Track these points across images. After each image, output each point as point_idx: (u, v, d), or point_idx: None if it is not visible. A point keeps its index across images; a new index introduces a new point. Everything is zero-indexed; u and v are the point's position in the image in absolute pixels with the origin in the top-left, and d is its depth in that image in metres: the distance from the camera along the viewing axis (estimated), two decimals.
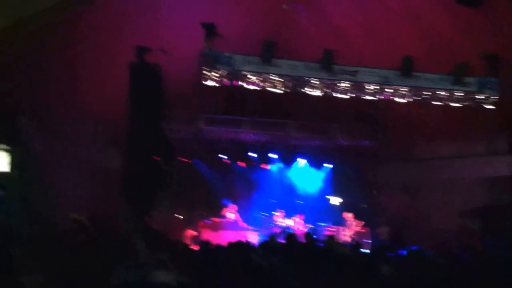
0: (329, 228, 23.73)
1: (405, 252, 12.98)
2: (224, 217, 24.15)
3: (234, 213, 24.31)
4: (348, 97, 19.35)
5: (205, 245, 12.20)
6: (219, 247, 12.15)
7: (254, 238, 21.27)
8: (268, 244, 11.55)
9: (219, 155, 26.35)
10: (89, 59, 18.09)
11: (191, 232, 22.46)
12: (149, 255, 8.78)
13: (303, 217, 24.36)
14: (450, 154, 26.28)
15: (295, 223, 24.05)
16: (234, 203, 25.13)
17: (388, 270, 8.38)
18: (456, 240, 20.89)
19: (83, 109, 20.95)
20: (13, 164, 19.02)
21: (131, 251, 9.06)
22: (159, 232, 15.59)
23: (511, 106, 19.86)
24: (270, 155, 27.12)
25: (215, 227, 22.88)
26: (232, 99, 23.58)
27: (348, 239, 22.98)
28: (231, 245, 10.49)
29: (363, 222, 24.05)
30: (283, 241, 14.02)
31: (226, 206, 24.54)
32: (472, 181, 25.13)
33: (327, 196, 26.80)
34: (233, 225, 23.60)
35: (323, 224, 24.28)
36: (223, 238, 21.06)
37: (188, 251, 10.82)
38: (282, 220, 24.31)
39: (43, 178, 19.64)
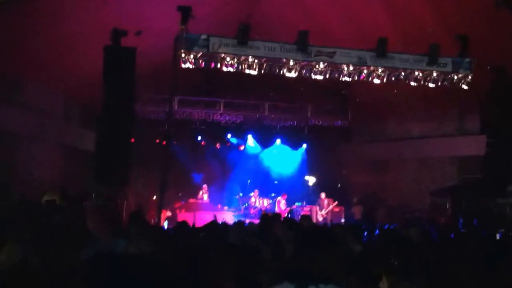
0: (304, 208, 23.81)
1: (377, 231, 13.09)
2: (197, 198, 24.18)
3: (206, 194, 24.34)
4: (323, 78, 19.34)
5: (180, 225, 12.18)
6: (194, 227, 12.16)
7: (230, 218, 21.29)
8: (243, 224, 11.52)
9: (194, 136, 26.36)
10: (65, 37, 17.85)
11: (166, 213, 22.41)
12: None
13: (285, 197, 24.40)
14: (420, 134, 26.46)
15: (278, 203, 24.11)
16: (208, 184, 25.19)
17: (360, 249, 8.39)
18: (427, 218, 21.11)
19: (57, 88, 20.78)
20: None
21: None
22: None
23: (481, 86, 19.98)
24: (245, 135, 27.19)
25: (191, 208, 22.86)
26: (207, 80, 23.53)
27: (321, 218, 23.13)
28: (206, 226, 10.45)
29: (337, 202, 24.13)
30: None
31: (199, 187, 24.58)
32: (443, 160, 25.36)
33: (304, 177, 26.91)
34: (208, 206, 23.60)
35: (298, 204, 24.37)
36: (198, 218, 21.09)
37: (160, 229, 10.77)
38: (257, 200, 24.38)
39: (17, 156, 19.48)
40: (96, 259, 3.45)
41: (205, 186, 24.62)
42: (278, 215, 12.38)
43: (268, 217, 12.32)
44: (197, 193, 24.46)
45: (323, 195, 23.98)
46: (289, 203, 24.22)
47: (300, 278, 3.82)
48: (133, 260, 3.68)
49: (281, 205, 23.97)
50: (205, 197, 24.24)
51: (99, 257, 3.46)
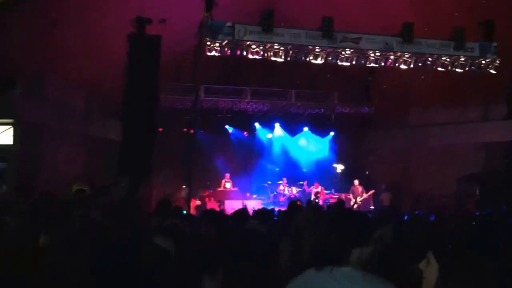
0: (333, 195, 23.37)
1: (406, 217, 12.60)
2: (220, 186, 23.84)
3: (229, 182, 23.97)
4: (349, 64, 18.92)
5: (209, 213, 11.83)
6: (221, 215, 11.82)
7: (258, 206, 20.91)
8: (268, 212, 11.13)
9: (220, 125, 26.04)
10: (86, 30, 17.57)
11: (195, 202, 22.10)
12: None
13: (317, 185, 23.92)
14: (445, 120, 25.83)
15: (316, 192, 23.57)
16: (236, 172, 24.86)
17: (391, 234, 7.96)
18: (453, 206, 20.65)
19: (80, 80, 20.50)
20: (16, 137, 18.58)
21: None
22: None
23: (506, 71, 19.43)
24: (273, 124, 26.85)
25: (219, 196, 22.51)
26: (232, 68, 23.11)
27: (355, 206, 22.69)
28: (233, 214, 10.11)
29: (373, 191, 23.67)
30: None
31: (223, 176, 24.22)
32: (468, 147, 24.72)
33: (332, 165, 26.48)
34: (237, 194, 23.26)
35: (327, 191, 23.95)
36: (227, 207, 20.77)
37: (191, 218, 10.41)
38: (286, 188, 24.00)
39: (42, 150, 19.25)
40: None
41: (227, 174, 24.22)
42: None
43: (296, 205, 11.91)
44: (220, 182, 24.06)
45: (356, 182, 23.47)
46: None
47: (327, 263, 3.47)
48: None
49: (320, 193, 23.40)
50: (228, 185, 23.85)
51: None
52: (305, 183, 24.12)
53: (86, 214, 9.33)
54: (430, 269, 4.10)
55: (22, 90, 18.02)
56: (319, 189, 23.33)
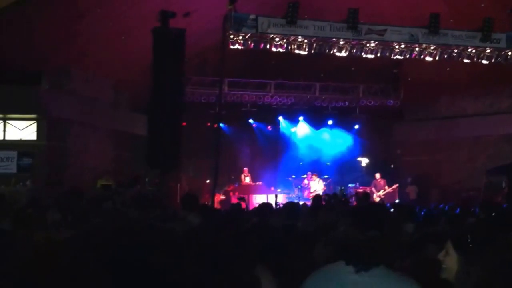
0: (358, 189, 23.41)
1: (432, 210, 12.72)
2: (240, 182, 23.97)
3: (248, 176, 24.10)
4: (374, 57, 18.96)
5: (235, 207, 12.13)
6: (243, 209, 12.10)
7: (283, 200, 21.05)
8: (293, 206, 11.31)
9: (244, 119, 26.21)
10: (111, 24, 17.84)
11: (220, 197, 22.31)
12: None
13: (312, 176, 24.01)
14: (474, 112, 25.76)
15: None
16: (258, 166, 25.02)
17: (412, 228, 8.12)
18: (483, 198, 20.59)
19: (106, 74, 20.79)
20: (40, 132, 18.94)
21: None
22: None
23: None
24: (297, 117, 26.94)
25: (244, 191, 22.67)
26: (256, 61, 23.21)
27: (378, 199, 22.70)
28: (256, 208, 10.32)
29: (397, 184, 23.67)
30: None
31: (242, 170, 24.34)
32: (497, 138, 24.67)
33: (356, 158, 26.50)
34: (262, 188, 23.40)
35: (351, 185, 24.01)
36: (252, 201, 20.95)
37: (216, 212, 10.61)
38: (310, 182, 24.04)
39: (68, 145, 19.58)
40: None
41: (245, 169, 24.34)
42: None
43: (320, 199, 12.08)
44: (239, 177, 24.22)
45: (377, 175, 23.47)
46: (338, 184, 23.85)
47: (356, 259, 3.61)
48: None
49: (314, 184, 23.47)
50: (247, 179, 24.01)
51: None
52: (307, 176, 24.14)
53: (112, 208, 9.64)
54: (449, 260, 4.20)
55: (48, 85, 18.36)
56: (317, 181, 23.46)
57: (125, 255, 3.04)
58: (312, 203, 13.28)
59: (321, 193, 20.44)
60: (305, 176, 24.15)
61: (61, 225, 6.97)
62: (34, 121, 18.93)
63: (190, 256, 3.54)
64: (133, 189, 17.12)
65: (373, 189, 23.02)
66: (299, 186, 23.87)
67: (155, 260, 3.00)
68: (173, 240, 3.33)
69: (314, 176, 23.60)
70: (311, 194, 22.29)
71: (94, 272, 3.12)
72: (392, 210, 9.67)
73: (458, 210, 12.50)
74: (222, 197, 22.70)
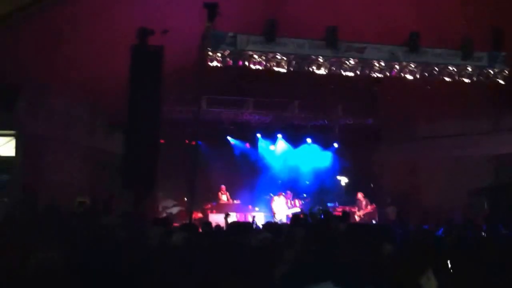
0: (337, 209, 23.59)
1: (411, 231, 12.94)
2: (217, 200, 24.10)
3: (225, 194, 24.25)
4: (353, 75, 19.17)
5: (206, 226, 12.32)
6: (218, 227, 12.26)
7: (260, 219, 21.21)
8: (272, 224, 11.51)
9: (222, 136, 26.36)
10: (90, 41, 17.95)
11: (197, 215, 22.40)
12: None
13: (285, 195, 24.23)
14: (454, 132, 26.04)
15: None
16: (236, 184, 25.15)
17: (391, 249, 8.29)
18: (463, 219, 20.79)
19: (83, 92, 20.83)
20: (18, 149, 18.94)
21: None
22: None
23: None
24: (275, 135, 27.12)
25: (222, 209, 22.79)
26: (235, 79, 23.37)
27: (358, 219, 22.89)
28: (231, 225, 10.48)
29: (374, 205, 23.87)
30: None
31: (220, 188, 24.47)
32: (479, 159, 24.93)
33: (336, 177, 26.69)
34: (239, 207, 23.54)
35: (330, 204, 24.18)
36: (229, 219, 21.05)
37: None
38: (289, 201, 24.20)
39: (45, 162, 19.57)
40: None
41: (223, 187, 24.54)
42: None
43: (299, 218, 12.26)
44: (217, 195, 24.34)
45: (359, 195, 23.67)
46: (317, 203, 24.02)
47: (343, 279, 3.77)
48: None
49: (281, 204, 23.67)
50: (224, 198, 24.17)
51: None
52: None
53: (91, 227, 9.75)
54: (430, 285, 4.34)
55: (26, 102, 18.40)
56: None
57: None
58: (291, 222, 13.45)
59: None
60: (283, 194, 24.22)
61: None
62: (13, 138, 18.94)
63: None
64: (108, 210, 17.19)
65: (357, 209, 23.25)
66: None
67: None
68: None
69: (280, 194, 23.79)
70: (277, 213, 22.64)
71: None
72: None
73: (440, 232, 12.75)
74: (200, 215, 22.80)
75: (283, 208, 23.39)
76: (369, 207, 23.33)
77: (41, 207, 14.50)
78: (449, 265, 4.39)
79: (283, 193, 24.13)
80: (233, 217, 21.11)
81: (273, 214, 23.09)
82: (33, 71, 17.71)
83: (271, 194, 24.33)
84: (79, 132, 21.31)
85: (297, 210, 23.47)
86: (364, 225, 14.07)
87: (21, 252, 6.47)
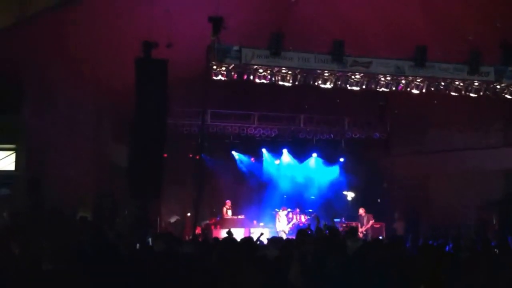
0: (343, 224, 23.56)
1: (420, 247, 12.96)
2: (222, 215, 24.11)
3: (230, 209, 24.26)
4: (359, 89, 19.25)
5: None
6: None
7: (265, 234, 21.22)
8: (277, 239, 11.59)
9: (227, 150, 26.42)
10: (94, 53, 18.08)
11: (200, 229, 22.42)
12: None
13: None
14: (463, 146, 26.08)
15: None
16: (241, 199, 25.15)
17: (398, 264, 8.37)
18: (472, 234, 20.78)
19: (88, 104, 20.96)
20: (18, 162, 19.02)
21: None
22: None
23: None
24: (281, 149, 27.17)
25: (226, 224, 22.82)
26: (240, 93, 23.47)
27: (361, 236, 22.82)
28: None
29: (379, 218, 23.82)
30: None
31: (224, 203, 24.47)
32: (488, 173, 24.92)
33: (343, 192, 26.65)
34: (244, 222, 23.54)
35: (337, 220, 24.13)
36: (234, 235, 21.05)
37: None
38: (294, 216, 24.19)
39: (48, 176, 19.65)
40: None
41: (228, 201, 24.53)
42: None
43: (305, 233, 12.30)
44: (221, 210, 24.37)
45: (361, 210, 23.59)
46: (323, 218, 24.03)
47: None
48: None
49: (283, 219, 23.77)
50: (229, 213, 24.17)
51: None
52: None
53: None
54: None
55: (28, 116, 18.51)
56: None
57: None
58: (297, 237, 13.49)
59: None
60: (289, 209, 24.21)
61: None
62: (13, 152, 19.02)
63: None
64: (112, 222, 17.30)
65: (359, 225, 23.18)
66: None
67: None
68: None
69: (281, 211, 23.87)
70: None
71: None
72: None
73: (449, 247, 12.79)
74: (204, 230, 22.82)
75: (283, 223, 23.43)
76: (370, 222, 23.21)
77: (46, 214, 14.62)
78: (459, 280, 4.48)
79: (286, 208, 24.15)
80: (237, 233, 21.14)
81: (276, 229, 23.12)
82: (35, 84, 17.86)
83: (276, 209, 24.35)
84: (84, 142, 21.36)
85: (295, 223, 23.54)
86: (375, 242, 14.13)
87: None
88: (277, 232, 22.82)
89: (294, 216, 24.23)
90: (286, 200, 25.41)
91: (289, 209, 24.24)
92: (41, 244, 7.47)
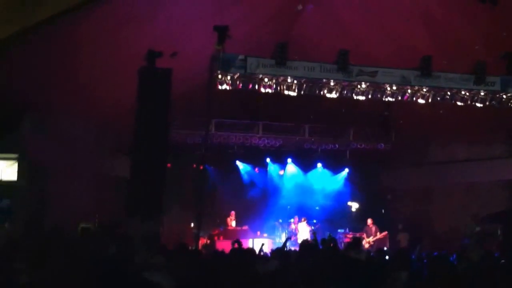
0: (347, 235, 23.43)
1: (425, 259, 12.85)
2: (226, 225, 23.98)
3: (234, 220, 24.13)
4: (364, 98, 19.17)
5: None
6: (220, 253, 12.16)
7: (269, 245, 21.07)
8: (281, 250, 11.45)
9: (231, 161, 26.32)
10: (96, 65, 18.01)
11: (204, 240, 22.27)
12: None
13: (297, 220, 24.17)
14: (467, 157, 25.98)
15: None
16: (245, 210, 25.02)
17: (407, 276, 8.24)
18: (475, 246, 20.64)
19: (89, 115, 20.86)
20: (20, 173, 18.94)
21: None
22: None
23: None
24: (285, 160, 27.08)
25: (229, 235, 22.68)
26: (244, 102, 23.39)
27: (367, 246, 22.68)
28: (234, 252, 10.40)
29: (382, 229, 23.69)
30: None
31: (228, 214, 24.35)
32: (491, 185, 24.83)
33: (347, 203, 26.54)
34: (247, 233, 23.39)
35: (341, 230, 24.02)
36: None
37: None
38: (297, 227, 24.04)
39: (49, 186, 19.55)
40: None
41: (232, 212, 24.40)
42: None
43: (309, 244, 12.18)
44: (225, 221, 24.23)
45: (369, 221, 23.44)
46: (327, 229, 23.87)
47: None
48: None
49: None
50: (233, 224, 24.04)
51: None
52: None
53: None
54: None
55: (30, 126, 18.44)
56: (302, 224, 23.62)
57: None
58: (300, 249, 13.36)
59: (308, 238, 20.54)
60: (292, 220, 24.14)
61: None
62: (15, 161, 18.95)
63: None
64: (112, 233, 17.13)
65: (364, 235, 23.03)
66: (286, 231, 23.87)
67: None
68: None
69: (303, 220, 23.73)
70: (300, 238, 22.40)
71: None
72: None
73: (452, 258, 12.65)
74: (207, 241, 22.67)
75: (304, 233, 23.30)
76: (378, 233, 23.08)
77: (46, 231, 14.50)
78: None
79: (304, 217, 24.05)
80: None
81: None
82: (37, 95, 17.77)
83: (291, 220, 24.21)
84: (84, 156, 21.26)
85: (292, 233, 23.41)
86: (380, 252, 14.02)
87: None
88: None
89: (297, 226, 24.09)
90: (290, 211, 25.26)
91: (291, 220, 24.12)
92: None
